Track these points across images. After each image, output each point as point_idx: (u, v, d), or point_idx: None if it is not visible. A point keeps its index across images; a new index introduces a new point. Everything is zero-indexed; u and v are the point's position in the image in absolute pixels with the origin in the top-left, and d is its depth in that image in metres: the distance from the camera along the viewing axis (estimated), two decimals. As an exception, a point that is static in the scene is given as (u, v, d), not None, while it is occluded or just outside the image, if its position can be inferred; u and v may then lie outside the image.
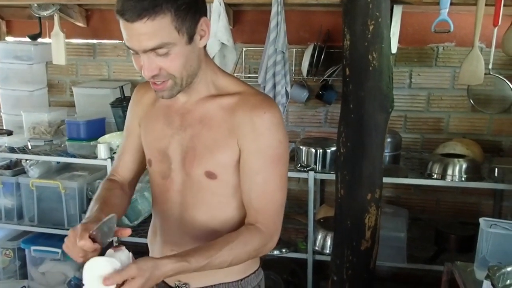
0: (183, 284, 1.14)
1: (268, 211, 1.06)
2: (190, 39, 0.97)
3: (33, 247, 2.56)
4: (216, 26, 1.94)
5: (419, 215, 2.54)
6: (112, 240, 0.99)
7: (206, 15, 1.01)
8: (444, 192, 2.51)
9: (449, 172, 2.07)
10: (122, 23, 0.94)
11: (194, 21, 0.97)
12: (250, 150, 1.04)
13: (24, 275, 2.66)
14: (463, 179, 2.06)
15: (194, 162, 1.08)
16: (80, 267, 2.59)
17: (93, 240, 0.94)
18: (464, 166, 2.06)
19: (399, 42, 2.13)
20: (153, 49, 0.94)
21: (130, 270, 0.89)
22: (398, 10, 1.97)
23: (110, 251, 0.94)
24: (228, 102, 1.06)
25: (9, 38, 2.89)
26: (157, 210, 1.20)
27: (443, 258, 2.11)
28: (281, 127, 1.06)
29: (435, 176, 2.10)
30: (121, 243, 0.99)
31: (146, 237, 1.27)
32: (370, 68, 1.69)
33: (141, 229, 2.44)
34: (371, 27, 1.66)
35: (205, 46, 1.06)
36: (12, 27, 2.89)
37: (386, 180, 1.89)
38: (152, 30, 0.92)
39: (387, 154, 2.20)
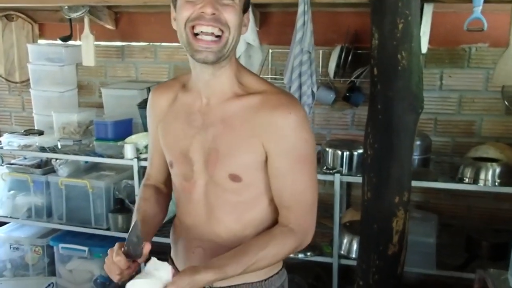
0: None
1: (300, 210, 1.07)
2: (243, 12, 1.02)
3: (61, 245, 2.61)
4: (242, 26, 1.94)
5: (449, 221, 2.45)
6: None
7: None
8: (475, 198, 2.42)
9: (482, 176, 2.00)
10: None
11: (247, 4, 1.03)
12: (276, 152, 1.03)
13: (52, 272, 2.72)
14: (496, 184, 1.99)
15: (217, 164, 1.06)
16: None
17: (127, 255, 0.96)
18: (498, 170, 1.99)
19: (429, 42, 2.08)
20: None
21: (171, 285, 0.91)
22: (428, 9, 1.92)
23: (149, 267, 0.95)
24: (251, 102, 1.04)
25: (41, 41, 2.98)
26: (181, 210, 1.19)
27: (474, 266, 2.03)
28: (306, 126, 1.04)
29: (466, 180, 2.04)
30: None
31: (169, 237, 1.26)
32: (399, 68, 1.65)
33: (165, 229, 2.44)
34: (400, 26, 1.62)
35: None
36: (45, 30, 2.98)
37: (415, 184, 1.84)
38: None
39: (416, 157, 2.14)
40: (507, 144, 2.26)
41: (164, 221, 2.62)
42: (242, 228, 1.10)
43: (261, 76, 2.39)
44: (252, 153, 1.04)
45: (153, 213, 1.17)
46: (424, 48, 1.93)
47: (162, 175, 1.25)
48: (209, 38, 0.97)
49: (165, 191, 1.26)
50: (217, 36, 0.97)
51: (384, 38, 1.65)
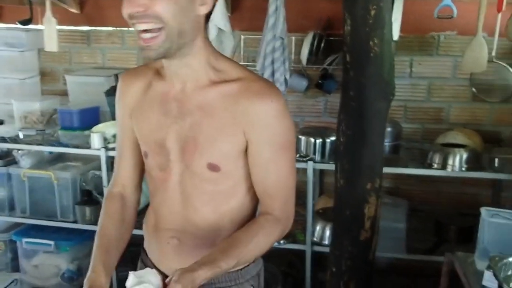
0: None
1: (283, 197, 1.06)
2: None
3: (25, 239, 2.50)
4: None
5: (419, 206, 2.51)
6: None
7: None
8: (444, 183, 2.48)
9: (450, 162, 2.04)
10: None
11: None
12: (259, 141, 1.01)
13: (16, 268, 2.61)
14: (463, 169, 2.03)
15: (196, 154, 1.02)
16: (73, 259, 2.56)
17: None
18: (465, 156, 2.03)
19: (400, 30, 2.09)
20: None
21: None
22: (400, -4, 1.93)
23: (133, 281, 0.90)
24: (229, 89, 1.00)
25: (0, 25, 2.82)
26: (156, 200, 1.14)
27: (443, 249, 2.08)
28: (287, 112, 1.02)
29: (435, 166, 2.08)
30: None
31: (141, 228, 1.22)
32: (371, 54, 1.65)
33: (138, 220, 2.39)
34: (372, 12, 1.61)
35: (206, 29, 1.01)
36: (3, 13, 2.82)
37: (386, 170, 1.85)
38: None
39: (387, 144, 2.17)
40: (474, 130, 2.32)
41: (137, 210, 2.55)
42: (219, 218, 1.08)
43: (234, 62, 2.32)
44: (232, 142, 1.01)
45: (117, 235, 1.10)
46: (396, 35, 1.94)
47: (131, 181, 1.17)
48: (148, 35, 0.91)
49: (132, 199, 1.18)
50: (160, 29, 0.91)
51: (357, 24, 1.63)
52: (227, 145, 1.01)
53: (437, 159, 2.08)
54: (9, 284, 2.41)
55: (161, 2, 0.89)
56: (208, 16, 1.00)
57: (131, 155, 1.15)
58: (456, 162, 2.04)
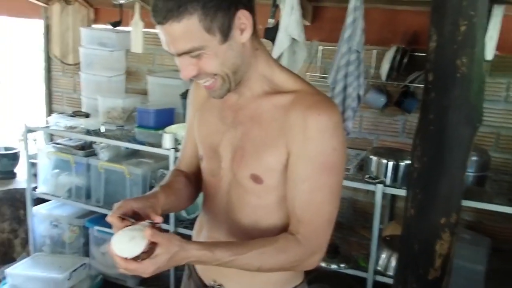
0: (218, 285, 1.10)
1: (312, 223, 0.97)
2: (225, 37, 0.90)
3: (96, 227, 2.66)
4: (288, 20, 1.82)
5: (503, 246, 2.22)
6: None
7: (246, 6, 0.92)
8: (536, 224, 2.18)
9: (546, 202, 1.77)
10: (156, 26, 0.92)
11: (227, 17, 0.89)
12: (298, 154, 0.95)
13: (86, 253, 2.77)
14: (563, 212, 1.75)
15: (242, 163, 1.01)
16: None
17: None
18: None
19: (497, 49, 1.86)
20: (184, 53, 0.91)
21: (163, 238, 0.86)
22: (498, 11, 1.71)
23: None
24: (283, 101, 0.97)
25: (96, 26, 3.03)
26: (205, 206, 1.16)
27: (528, 301, 1.82)
28: (338, 132, 0.94)
29: (527, 205, 1.82)
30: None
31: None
32: (458, 75, 1.47)
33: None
34: (462, 28, 1.44)
35: (256, 38, 0.97)
36: (100, 15, 3.03)
37: (466, 203, 1.66)
38: (180, 33, 0.88)
39: (471, 174, 1.95)
40: None
41: (197, 214, 2.58)
42: (259, 235, 1.03)
43: (307, 74, 2.25)
44: (276, 154, 0.97)
45: (179, 192, 1.13)
46: (490, 54, 1.73)
47: (192, 168, 1.21)
48: (207, 83, 0.97)
49: (193, 182, 1.20)
50: (215, 75, 0.95)
51: (443, 40, 1.47)
52: (270, 157, 0.98)
53: (530, 197, 1.82)
54: (79, 267, 2.56)
55: (205, 63, 0.92)
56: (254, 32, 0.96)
57: (191, 153, 1.20)
58: (555, 203, 1.77)
